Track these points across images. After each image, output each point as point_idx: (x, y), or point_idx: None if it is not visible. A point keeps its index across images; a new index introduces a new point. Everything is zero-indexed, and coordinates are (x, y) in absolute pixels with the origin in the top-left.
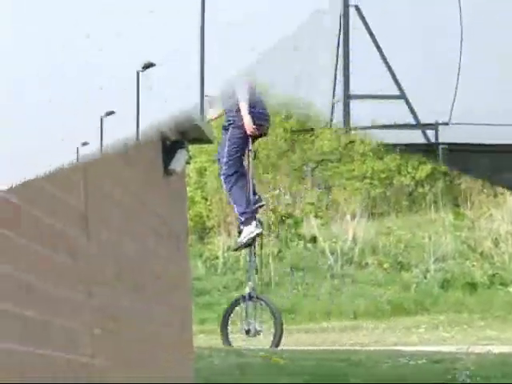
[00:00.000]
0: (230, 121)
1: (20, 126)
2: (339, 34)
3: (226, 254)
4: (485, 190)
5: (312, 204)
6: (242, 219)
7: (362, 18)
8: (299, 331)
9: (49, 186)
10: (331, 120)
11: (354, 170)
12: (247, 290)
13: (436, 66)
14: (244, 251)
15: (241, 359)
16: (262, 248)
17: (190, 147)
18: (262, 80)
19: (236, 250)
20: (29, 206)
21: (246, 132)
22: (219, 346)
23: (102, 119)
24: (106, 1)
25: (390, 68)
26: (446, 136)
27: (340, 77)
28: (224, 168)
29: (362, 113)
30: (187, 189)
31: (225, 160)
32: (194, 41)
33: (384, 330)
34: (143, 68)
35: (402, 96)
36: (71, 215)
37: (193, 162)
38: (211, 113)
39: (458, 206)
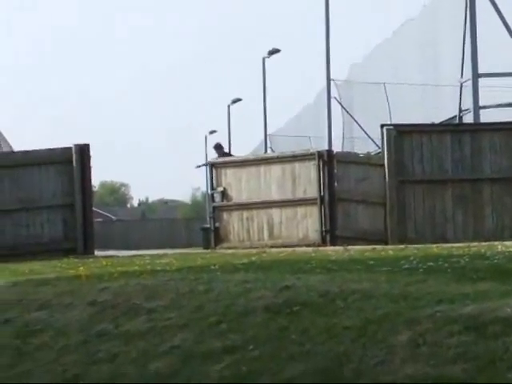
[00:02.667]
0: None
1: (149, 118)
2: (465, 12)
3: None
4: None
5: None
6: None
7: None
8: None
9: None
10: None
11: None
12: None
13: None
14: None
15: None
16: None
17: None
18: (390, 58)
19: None
20: None
21: None
22: None
23: (229, 107)
24: None
25: None
26: None
27: (468, 55)
28: None
29: (491, 91)
30: None
31: None
32: (318, 26)
33: None
34: (269, 54)
35: None
36: None
37: None
38: None
39: None
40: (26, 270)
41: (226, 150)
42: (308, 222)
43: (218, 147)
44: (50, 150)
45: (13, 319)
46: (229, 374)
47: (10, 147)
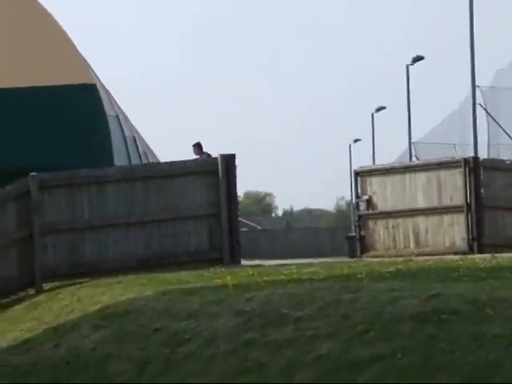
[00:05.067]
0: None
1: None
2: None
3: None
4: None
5: None
6: None
7: None
8: None
9: None
10: None
11: None
12: None
13: None
14: None
15: None
16: None
17: None
18: None
19: None
20: None
21: None
22: None
23: (372, 115)
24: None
25: None
26: None
27: None
28: None
29: None
30: None
31: None
32: (463, 32)
33: None
34: (412, 62)
35: None
36: None
37: None
38: None
39: None
40: (173, 279)
41: (205, 150)
42: (454, 230)
43: (198, 146)
44: (196, 160)
45: (162, 328)
46: (378, 382)
47: (156, 158)
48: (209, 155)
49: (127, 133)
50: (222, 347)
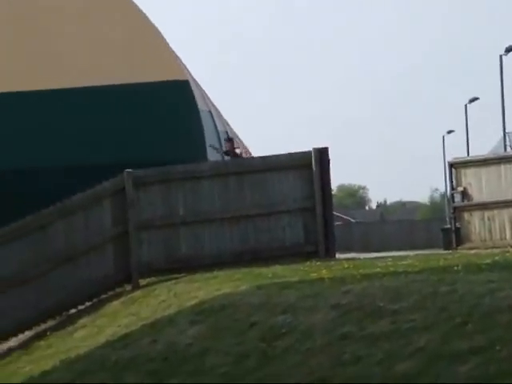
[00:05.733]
0: None
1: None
2: None
3: None
4: None
5: None
6: None
7: None
8: None
9: None
10: None
11: None
12: None
13: None
14: None
15: None
16: None
17: None
18: None
19: None
20: None
21: None
22: None
23: (466, 106)
24: None
25: None
26: None
27: None
28: None
29: None
30: None
31: None
32: None
33: None
34: (506, 52)
35: None
36: None
37: None
38: None
39: None
40: (269, 273)
41: (236, 145)
42: None
43: (230, 141)
44: (289, 154)
45: (258, 323)
46: (477, 375)
47: (249, 153)
48: (239, 154)
49: (220, 128)
50: (319, 341)
